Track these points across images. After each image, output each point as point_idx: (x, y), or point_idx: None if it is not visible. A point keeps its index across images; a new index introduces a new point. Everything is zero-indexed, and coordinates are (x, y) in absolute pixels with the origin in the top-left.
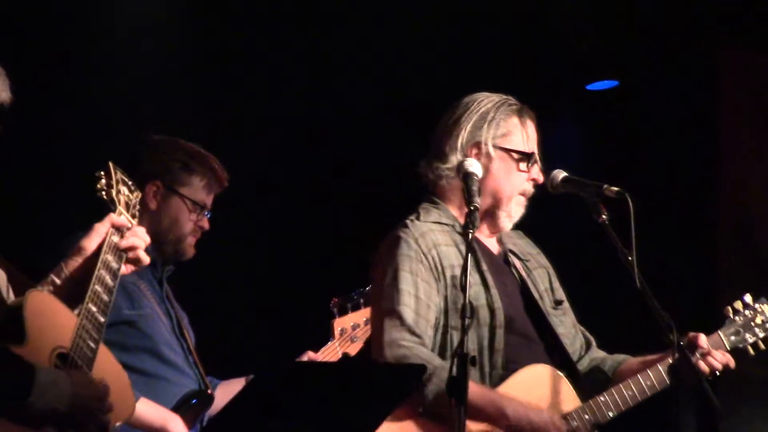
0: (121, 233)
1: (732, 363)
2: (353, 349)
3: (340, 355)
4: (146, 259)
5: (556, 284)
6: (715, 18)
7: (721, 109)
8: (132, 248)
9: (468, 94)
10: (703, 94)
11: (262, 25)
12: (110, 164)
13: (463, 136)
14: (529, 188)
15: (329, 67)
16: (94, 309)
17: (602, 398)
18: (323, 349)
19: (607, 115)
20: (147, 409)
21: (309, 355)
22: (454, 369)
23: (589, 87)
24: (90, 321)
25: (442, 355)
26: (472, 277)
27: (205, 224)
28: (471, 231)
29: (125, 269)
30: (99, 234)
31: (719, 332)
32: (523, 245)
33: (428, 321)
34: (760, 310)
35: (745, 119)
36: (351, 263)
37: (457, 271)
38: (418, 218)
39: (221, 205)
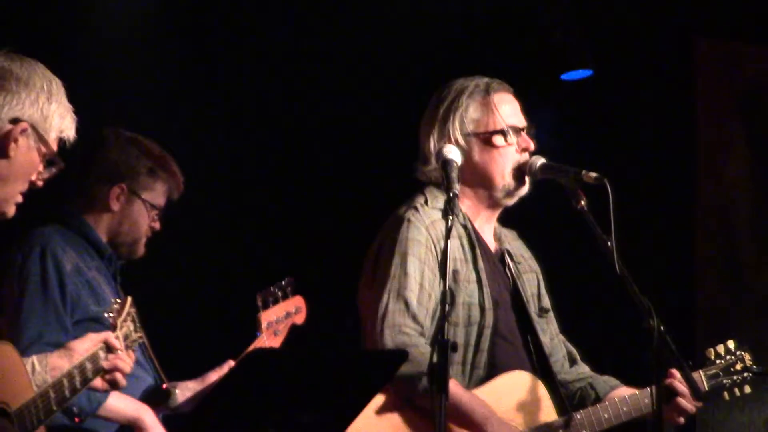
0: (107, 353)
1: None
2: (276, 342)
3: None
4: (123, 383)
5: (543, 291)
6: (690, 6)
7: (696, 97)
8: (114, 369)
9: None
10: (678, 83)
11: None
12: (129, 299)
13: (435, 136)
14: (523, 158)
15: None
16: (52, 395)
17: (578, 416)
18: (254, 343)
19: (583, 104)
20: (119, 402)
21: (231, 365)
22: (435, 356)
23: (563, 77)
24: (44, 402)
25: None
26: (470, 274)
27: (157, 225)
28: (451, 217)
29: (99, 384)
30: (91, 341)
31: (701, 372)
32: (517, 247)
33: (428, 311)
34: (740, 356)
35: (721, 107)
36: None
37: (459, 266)
38: (426, 203)
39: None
